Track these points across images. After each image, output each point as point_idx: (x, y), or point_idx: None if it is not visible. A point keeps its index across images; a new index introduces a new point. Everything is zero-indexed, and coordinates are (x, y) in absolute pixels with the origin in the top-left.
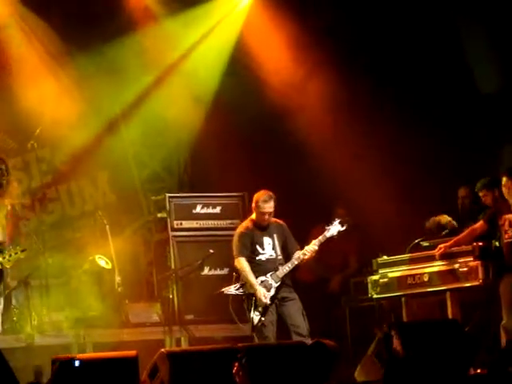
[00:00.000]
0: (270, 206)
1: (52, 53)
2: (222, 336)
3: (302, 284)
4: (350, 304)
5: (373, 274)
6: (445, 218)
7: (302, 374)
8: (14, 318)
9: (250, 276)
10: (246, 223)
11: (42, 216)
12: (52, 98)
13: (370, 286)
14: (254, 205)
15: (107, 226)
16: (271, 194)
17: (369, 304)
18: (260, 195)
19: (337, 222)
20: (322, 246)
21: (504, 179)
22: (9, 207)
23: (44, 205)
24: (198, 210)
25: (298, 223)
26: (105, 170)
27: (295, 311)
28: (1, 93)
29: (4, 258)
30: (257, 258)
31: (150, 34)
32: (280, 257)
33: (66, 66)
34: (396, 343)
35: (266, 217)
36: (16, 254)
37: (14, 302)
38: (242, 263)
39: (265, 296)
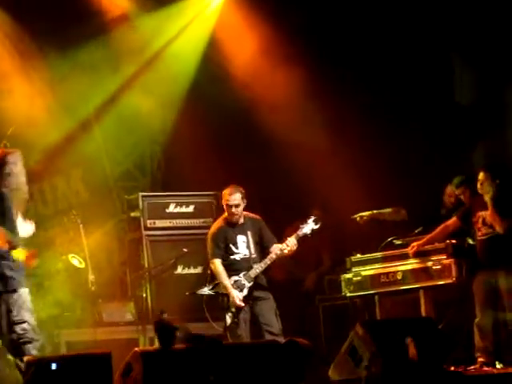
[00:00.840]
0: (234, 198)
1: (23, 53)
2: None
3: (275, 282)
4: (324, 302)
5: (346, 272)
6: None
7: (276, 372)
8: None
9: (224, 279)
10: (219, 222)
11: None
12: (24, 97)
13: (343, 284)
14: (222, 201)
15: (81, 225)
16: (238, 187)
17: (342, 302)
18: (226, 189)
19: (311, 220)
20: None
21: (481, 174)
22: None
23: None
24: (171, 209)
25: (272, 221)
26: (78, 168)
27: (268, 310)
28: None
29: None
30: (231, 257)
31: (124, 34)
32: (254, 255)
33: (39, 65)
34: (412, 351)
35: (233, 210)
36: None
37: None
38: (216, 265)
39: (239, 298)
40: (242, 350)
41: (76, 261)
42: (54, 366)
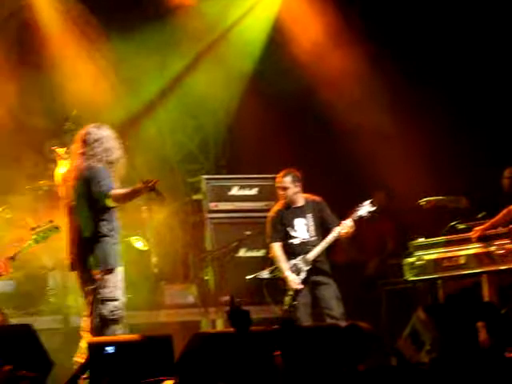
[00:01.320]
0: (282, 181)
1: (88, 35)
2: (257, 318)
3: (337, 266)
4: (386, 286)
5: (409, 257)
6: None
7: (336, 356)
8: (51, 300)
9: (282, 262)
10: (277, 205)
11: None
12: (89, 79)
13: (405, 268)
14: None
15: (144, 208)
16: (291, 170)
17: (405, 287)
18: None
19: (367, 202)
20: (356, 227)
21: None
22: (45, 188)
23: None
24: (234, 191)
25: (336, 204)
26: (142, 151)
27: (329, 294)
28: (38, 75)
29: (38, 234)
30: (289, 242)
31: (188, 16)
32: (314, 238)
33: (103, 48)
34: (483, 334)
35: (281, 192)
36: (50, 231)
37: (50, 283)
38: (274, 249)
39: (294, 282)
40: (301, 332)
41: (139, 243)
42: (112, 349)
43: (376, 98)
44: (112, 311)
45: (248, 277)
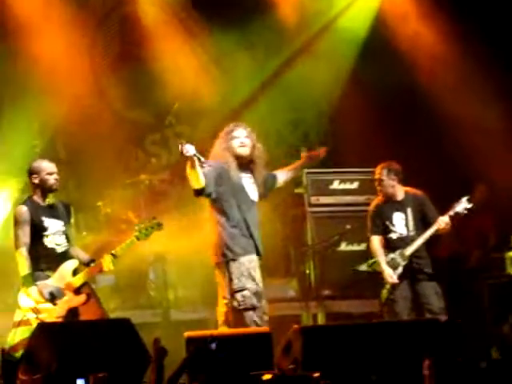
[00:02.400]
0: (377, 173)
1: (190, 28)
2: (358, 312)
3: (438, 260)
4: (489, 280)
5: (511, 250)
6: None
7: (435, 351)
8: (151, 293)
9: (378, 256)
10: (377, 200)
11: (181, 191)
12: (190, 73)
13: (508, 262)
14: None
15: None
16: (390, 163)
17: (508, 280)
18: None
19: (464, 199)
20: (458, 221)
21: None
22: (146, 182)
23: (183, 180)
24: (336, 185)
25: (436, 199)
26: None
27: (429, 289)
28: (139, 68)
29: (141, 231)
30: (388, 236)
31: (289, 9)
32: (412, 233)
33: (205, 42)
34: None
35: (376, 183)
36: (152, 228)
37: (151, 276)
38: (372, 243)
39: (390, 276)
40: (399, 327)
41: None
42: (213, 346)
43: (478, 89)
44: (240, 301)
45: (352, 268)
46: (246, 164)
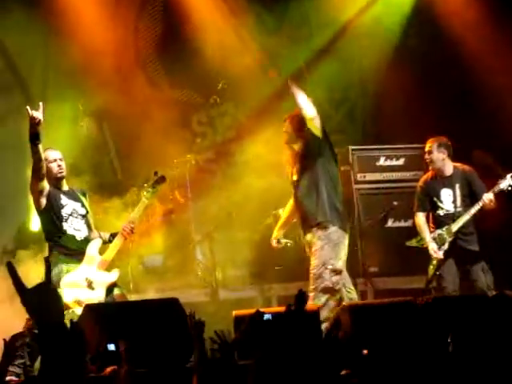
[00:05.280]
0: (427, 146)
1: (234, 8)
2: (406, 288)
3: (487, 232)
4: None
5: None
6: None
7: (484, 325)
8: (199, 273)
9: (423, 232)
10: (426, 176)
11: (226, 170)
12: (234, 52)
13: None
14: None
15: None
16: (439, 137)
17: None
18: None
19: (509, 175)
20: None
21: None
22: (192, 162)
23: (228, 159)
24: (382, 162)
25: (486, 175)
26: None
27: (475, 265)
28: (184, 49)
29: (147, 191)
30: (435, 213)
31: None
32: (460, 209)
33: (248, 22)
34: None
35: (425, 156)
36: (157, 183)
37: (198, 256)
38: (417, 218)
39: (435, 251)
40: (446, 302)
41: None
42: (266, 317)
43: None
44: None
45: (408, 243)
46: None
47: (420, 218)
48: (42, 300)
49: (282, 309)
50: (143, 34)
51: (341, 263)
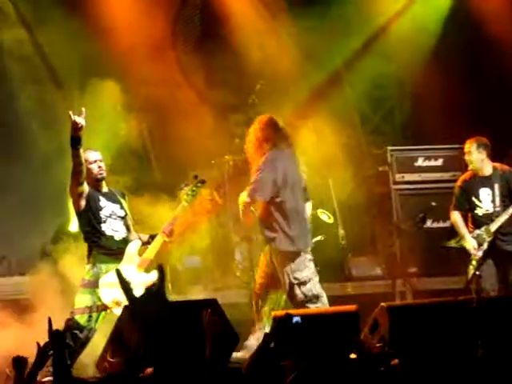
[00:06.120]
0: (465, 147)
1: (271, 8)
2: (445, 288)
3: None
4: None
5: None
6: None
7: None
8: (237, 273)
9: (461, 228)
10: (465, 175)
11: None
12: (272, 53)
13: None
14: None
15: (330, 180)
16: (478, 138)
17: None
18: None
19: None
20: None
21: None
22: (230, 162)
23: None
24: (420, 162)
25: None
26: (328, 124)
27: None
28: (221, 50)
29: (187, 195)
30: (474, 212)
31: None
32: (498, 209)
33: (286, 22)
34: None
35: (466, 158)
36: (197, 187)
37: (237, 256)
38: (453, 216)
39: (474, 248)
40: (487, 303)
41: (325, 216)
42: (295, 320)
43: None
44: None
45: (444, 244)
46: None
47: (456, 215)
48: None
49: (317, 310)
50: (182, 33)
51: None
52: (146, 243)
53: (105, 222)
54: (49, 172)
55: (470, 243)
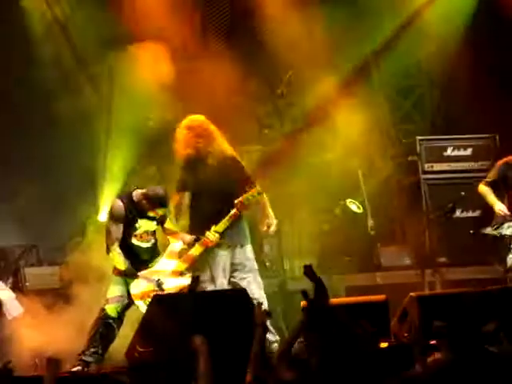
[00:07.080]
0: None
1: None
2: (475, 278)
3: None
4: None
5: None
6: None
7: None
8: (267, 264)
9: (488, 194)
10: (508, 158)
11: (293, 161)
12: (301, 44)
13: None
14: None
15: (359, 170)
16: None
17: None
18: None
19: None
20: None
21: None
22: (260, 153)
23: (296, 150)
24: (449, 152)
25: None
26: (357, 113)
27: None
28: (251, 39)
29: (243, 203)
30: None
31: None
32: None
33: (315, 12)
34: None
35: None
36: (253, 197)
37: (266, 248)
38: (481, 187)
39: (502, 210)
40: None
41: (354, 206)
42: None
43: None
44: None
45: (471, 231)
46: None
47: (484, 186)
48: None
49: (350, 299)
50: (212, 24)
51: None
52: (190, 244)
53: (135, 236)
54: (78, 160)
55: (497, 206)
